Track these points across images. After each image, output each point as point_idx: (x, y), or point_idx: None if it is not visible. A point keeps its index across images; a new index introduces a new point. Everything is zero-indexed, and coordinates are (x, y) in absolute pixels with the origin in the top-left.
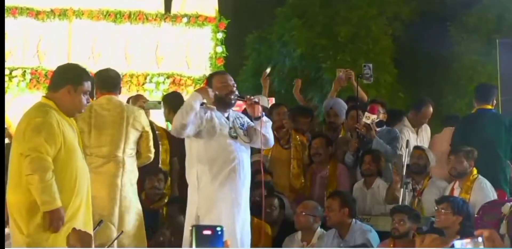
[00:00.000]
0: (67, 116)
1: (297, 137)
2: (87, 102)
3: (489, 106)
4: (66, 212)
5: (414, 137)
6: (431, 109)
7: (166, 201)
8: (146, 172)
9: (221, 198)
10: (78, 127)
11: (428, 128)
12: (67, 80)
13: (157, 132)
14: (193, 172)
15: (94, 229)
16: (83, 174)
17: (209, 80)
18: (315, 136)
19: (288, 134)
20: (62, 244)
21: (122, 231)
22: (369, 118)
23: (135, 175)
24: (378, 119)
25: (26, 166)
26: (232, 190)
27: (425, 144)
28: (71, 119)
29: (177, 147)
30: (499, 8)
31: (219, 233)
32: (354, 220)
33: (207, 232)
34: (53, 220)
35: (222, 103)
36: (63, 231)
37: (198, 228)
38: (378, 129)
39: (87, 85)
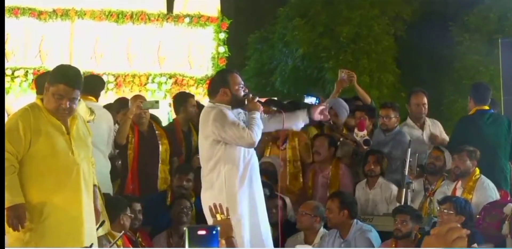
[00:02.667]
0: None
1: (295, 138)
2: (68, 106)
3: (487, 107)
4: (44, 209)
5: (419, 132)
6: (422, 96)
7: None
8: (177, 169)
9: (248, 196)
10: None
11: (437, 122)
12: (47, 80)
13: (156, 132)
14: (220, 173)
15: (96, 230)
16: (67, 171)
17: (224, 78)
18: (316, 135)
19: (286, 135)
20: (40, 243)
21: (124, 232)
22: (357, 135)
23: None
24: (365, 137)
25: None
26: (254, 188)
27: (435, 139)
28: (70, 119)
29: (177, 146)
30: (501, 8)
31: (214, 233)
32: (355, 220)
33: (201, 232)
34: (10, 217)
35: (237, 103)
36: (39, 229)
37: (192, 229)
38: (365, 147)
39: (60, 88)
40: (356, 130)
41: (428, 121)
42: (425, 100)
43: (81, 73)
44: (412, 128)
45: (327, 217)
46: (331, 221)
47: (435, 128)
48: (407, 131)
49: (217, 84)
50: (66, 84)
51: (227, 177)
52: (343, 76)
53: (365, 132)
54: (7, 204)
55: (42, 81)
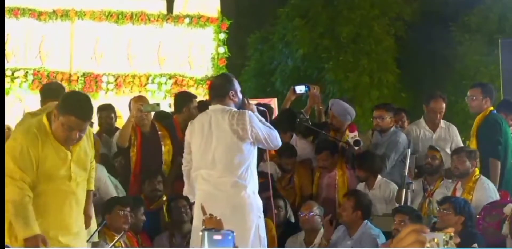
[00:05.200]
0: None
1: (300, 180)
2: (78, 137)
3: (492, 107)
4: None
5: (429, 136)
6: (441, 103)
7: (164, 199)
8: (146, 175)
9: None
10: None
11: (453, 127)
12: (57, 106)
13: (159, 133)
14: (253, 174)
15: (96, 230)
16: (55, 198)
17: (232, 81)
18: (319, 150)
19: (291, 175)
20: None
21: (124, 232)
22: (348, 136)
23: None
24: (356, 138)
25: (6, 191)
26: None
27: (445, 143)
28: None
29: (180, 148)
30: (502, 8)
31: (230, 238)
32: (366, 221)
33: (217, 237)
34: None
35: (240, 106)
36: None
37: (208, 233)
38: (356, 148)
39: (71, 120)
40: (347, 131)
41: (443, 124)
42: (444, 106)
43: (91, 101)
44: (423, 128)
45: (340, 213)
46: (343, 218)
47: (449, 132)
48: (414, 131)
49: (227, 87)
50: (77, 117)
51: (255, 178)
52: (315, 92)
53: (356, 133)
54: (22, 235)
55: (47, 93)
